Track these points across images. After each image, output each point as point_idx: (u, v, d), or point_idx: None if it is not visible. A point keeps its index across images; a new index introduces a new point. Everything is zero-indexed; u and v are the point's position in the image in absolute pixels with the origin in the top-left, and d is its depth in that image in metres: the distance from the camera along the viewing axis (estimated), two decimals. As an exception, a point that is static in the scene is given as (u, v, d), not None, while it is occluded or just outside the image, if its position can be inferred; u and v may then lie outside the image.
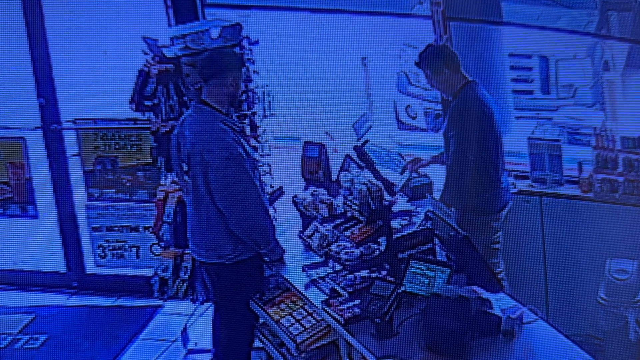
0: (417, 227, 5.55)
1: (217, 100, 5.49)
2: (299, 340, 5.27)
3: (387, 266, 5.34)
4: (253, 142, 6.24)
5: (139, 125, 6.84)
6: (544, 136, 6.43)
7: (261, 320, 5.69)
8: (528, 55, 6.84)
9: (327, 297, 5.23)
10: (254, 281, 5.65)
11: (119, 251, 7.22)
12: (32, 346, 6.77)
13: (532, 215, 6.34)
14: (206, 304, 6.32)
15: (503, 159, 6.02)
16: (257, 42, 6.36)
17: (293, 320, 5.37)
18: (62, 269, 7.42)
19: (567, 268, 6.21)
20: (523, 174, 6.46)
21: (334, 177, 6.20)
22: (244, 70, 5.71)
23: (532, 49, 6.81)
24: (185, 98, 6.11)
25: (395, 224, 5.62)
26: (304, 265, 5.55)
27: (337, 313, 5.08)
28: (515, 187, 6.30)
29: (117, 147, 7.06)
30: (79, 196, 7.23)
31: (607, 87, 6.54)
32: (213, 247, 5.56)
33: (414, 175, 6.15)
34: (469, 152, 5.89)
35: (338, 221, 5.73)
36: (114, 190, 7.15)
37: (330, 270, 5.46)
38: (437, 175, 6.13)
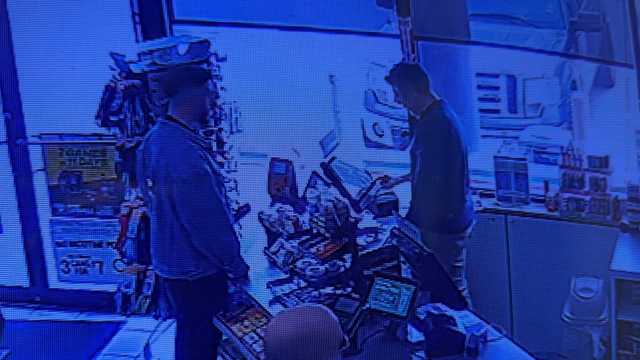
0: (382, 244, 5.58)
1: (183, 116, 5.48)
2: (262, 358, 5.26)
3: (352, 283, 5.34)
4: (219, 158, 6.24)
5: (104, 141, 6.83)
6: (510, 155, 6.46)
7: (224, 337, 5.67)
8: (496, 75, 6.89)
9: (292, 314, 5.23)
10: (218, 298, 5.64)
11: (83, 266, 7.19)
12: (-7, 361, 6.73)
13: (497, 233, 6.36)
14: (169, 320, 6.31)
15: (468, 178, 6.07)
16: (225, 59, 6.37)
17: (257, 337, 5.33)
18: (26, 283, 7.37)
19: (532, 286, 6.23)
20: (489, 192, 6.49)
21: (300, 194, 6.21)
22: (211, 88, 5.70)
23: (500, 68, 6.87)
24: (151, 114, 6.11)
25: (360, 240, 5.66)
26: (269, 281, 5.55)
27: (301, 330, 5.08)
28: (480, 205, 6.36)
29: (82, 162, 7.04)
30: (44, 211, 7.20)
31: (575, 107, 6.59)
32: (176, 264, 5.54)
33: (381, 191, 6.18)
34: (435, 170, 5.93)
35: (304, 238, 5.73)
36: (78, 205, 7.12)
37: (295, 287, 5.46)
38: (403, 192, 6.17)
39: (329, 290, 5.36)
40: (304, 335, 3.10)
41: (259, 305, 5.47)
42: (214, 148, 6.24)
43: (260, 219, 6.00)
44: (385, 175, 6.29)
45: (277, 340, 3.11)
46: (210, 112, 6.11)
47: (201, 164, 5.39)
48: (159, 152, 5.47)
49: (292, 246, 5.66)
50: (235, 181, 6.41)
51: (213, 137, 6.27)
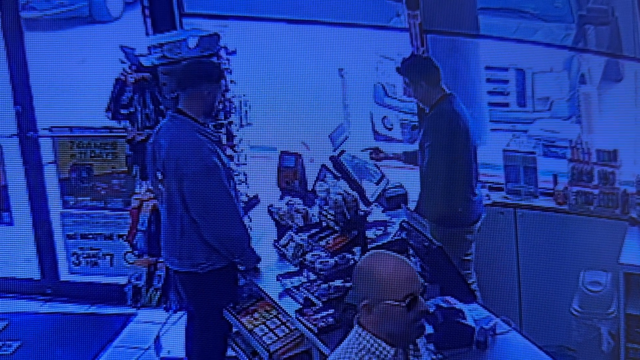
0: (391, 238, 5.58)
1: (193, 109, 5.49)
2: (272, 350, 5.27)
3: (362, 276, 5.33)
4: (229, 152, 6.24)
5: (114, 134, 6.83)
6: (519, 148, 6.44)
7: (234, 329, 5.68)
8: (505, 68, 6.87)
9: (301, 307, 5.23)
10: (228, 291, 5.65)
11: (93, 259, 7.21)
12: (5, 353, 6.73)
13: (506, 226, 6.35)
14: (179, 313, 6.32)
15: (477, 172, 6.07)
16: (234, 52, 6.36)
17: (266, 330, 5.38)
18: (36, 275, 7.39)
19: (541, 279, 6.22)
20: (498, 186, 6.48)
21: (309, 187, 6.21)
22: (222, 82, 5.72)
23: (508, 62, 6.85)
24: (161, 107, 6.11)
25: (370, 234, 5.64)
26: (279, 274, 5.54)
27: (310, 322, 5.09)
28: (489, 199, 6.34)
29: (92, 155, 7.05)
30: (54, 204, 7.21)
31: (584, 100, 6.56)
32: (187, 256, 5.55)
33: (389, 186, 6.18)
34: (443, 164, 5.93)
35: (313, 231, 5.71)
36: (89, 198, 7.14)
37: (305, 280, 5.45)
38: (412, 185, 6.16)
39: (338, 283, 5.35)
40: (368, 271, 3.34)
41: (269, 298, 5.48)
42: (224, 141, 6.23)
43: (270, 212, 5.99)
44: (377, 147, 6.27)
45: (356, 267, 3.41)
46: (220, 106, 6.11)
47: (211, 157, 5.40)
48: (168, 146, 5.49)
49: (301, 239, 5.65)
50: (245, 174, 6.40)
51: (223, 130, 6.27)
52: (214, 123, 6.10)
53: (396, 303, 3.29)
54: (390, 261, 3.35)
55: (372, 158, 6.19)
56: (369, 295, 3.31)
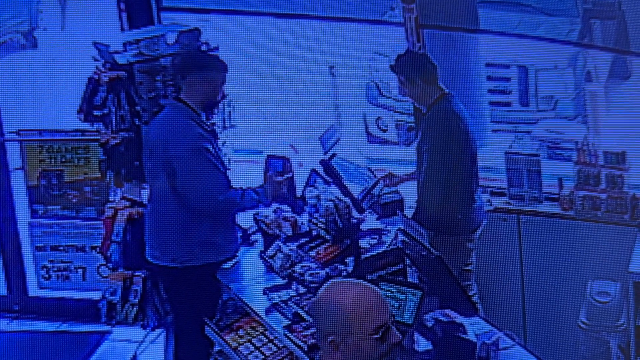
0: (387, 247, 5.53)
1: (192, 98, 5.69)
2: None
3: (355, 289, 5.30)
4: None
5: (87, 137, 6.83)
6: (522, 150, 6.46)
7: (217, 348, 5.63)
8: (506, 65, 6.92)
9: (290, 322, 5.17)
10: (208, 296, 5.64)
11: (64, 272, 7.20)
12: (-31, 374, 6.75)
13: (509, 234, 6.37)
14: (157, 330, 6.30)
15: (477, 176, 6.06)
16: (216, 49, 6.34)
17: (252, 348, 5.33)
18: (3, 291, 7.36)
19: (546, 290, 6.24)
20: (500, 191, 6.49)
21: (298, 193, 6.17)
22: (225, 75, 5.83)
23: (510, 59, 6.89)
24: (137, 108, 6.10)
25: (363, 243, 5.62)
26: (265, 287, 5.49)
27: (300, 339, 5.02)
28: (491, 205, 6.37)
29: (63, 160, 7.06)
30: (22, 213, 7.21)
31: (590, 99, 6.62)
32: (169, 248, 5.64)
33: (385, 190, 6.17)
34: (442, 168, 5.92)
35: (302, 240, 5.70)
36: (59, 206, 7.14)
37: (294, 293, 5.40)
38: (409, 191, 6.15)
39: (329, 296, 5.31)
40: (333, 304, 3.19)
41: (255, 313, 5.42)
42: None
43: (256, 221, 5.97)
44: (390, 173, 6.30)
45: (316, 301, 3.27)
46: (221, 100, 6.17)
47: (201, 141, 5.57)
48: (158, 131, 5.67)
49: (290, 249, 5.62)
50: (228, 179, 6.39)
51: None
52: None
53: (367, 337, 3.16)
54: (355, 290, 3.21)
55: (386, 185, 6.20)
56: (334, 331, 3.17)
